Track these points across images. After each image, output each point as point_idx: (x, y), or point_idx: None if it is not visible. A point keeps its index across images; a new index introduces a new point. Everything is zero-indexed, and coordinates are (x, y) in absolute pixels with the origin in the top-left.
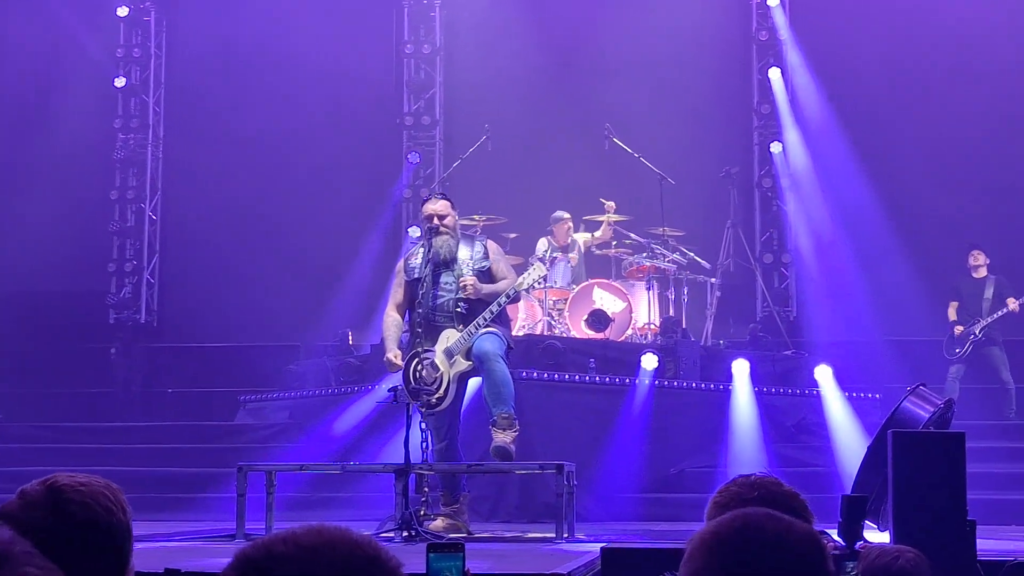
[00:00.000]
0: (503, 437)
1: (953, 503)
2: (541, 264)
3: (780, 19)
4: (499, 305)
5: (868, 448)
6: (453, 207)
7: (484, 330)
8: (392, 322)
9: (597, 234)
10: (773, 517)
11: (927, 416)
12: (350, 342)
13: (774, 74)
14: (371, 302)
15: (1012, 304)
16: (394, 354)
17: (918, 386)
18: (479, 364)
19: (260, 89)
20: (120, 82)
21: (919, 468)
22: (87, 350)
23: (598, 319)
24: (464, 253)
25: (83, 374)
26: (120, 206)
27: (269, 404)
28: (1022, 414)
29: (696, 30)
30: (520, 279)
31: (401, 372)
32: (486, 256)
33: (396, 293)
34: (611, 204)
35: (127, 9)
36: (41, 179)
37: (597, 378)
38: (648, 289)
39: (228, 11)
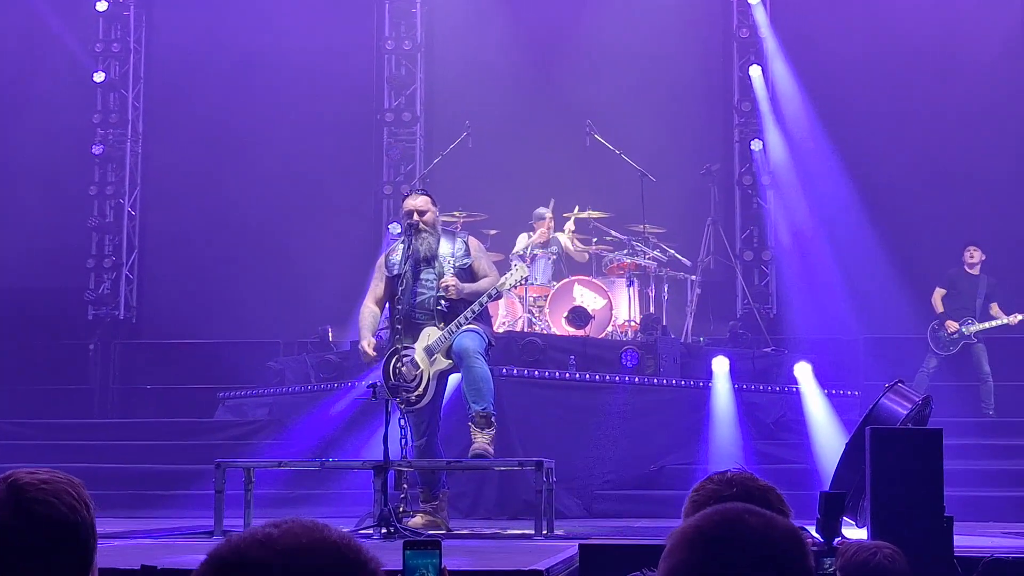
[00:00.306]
0: (482, 440)
1: (931, 499)
2: (524, 264)
3: (761, 16)
4: (480, 304)
5: (846, 445)
6: (434, 203)
7: (465, 327)
8: (369, 313)
9: (579, 243)
10: (754, 512)
11: (905, 413)
12: (330, 339)
13: (754, 71)
14: (351, 299)
15: (1011, 318)
16: (368, 342)
17: (896, 383)
18: (459, 360)
19: (240, 85)
20: (99, 77)
21: (897, 465)
22: (65, 346)
23: (579, 316)
24: (445, 249)
25: (61, 370)
26: (99, 202)
27: (248, 401)
28: (1001, 411)
29: (677, 27)
30: (503, 279)
31: (380, 367)
32: (467, 253)
33: (376, 287)
34: (569, 218)
35: (106, 4)
36: (19, 174)
37: (577, 375)
38: (628, 286)
39: (208, 6)
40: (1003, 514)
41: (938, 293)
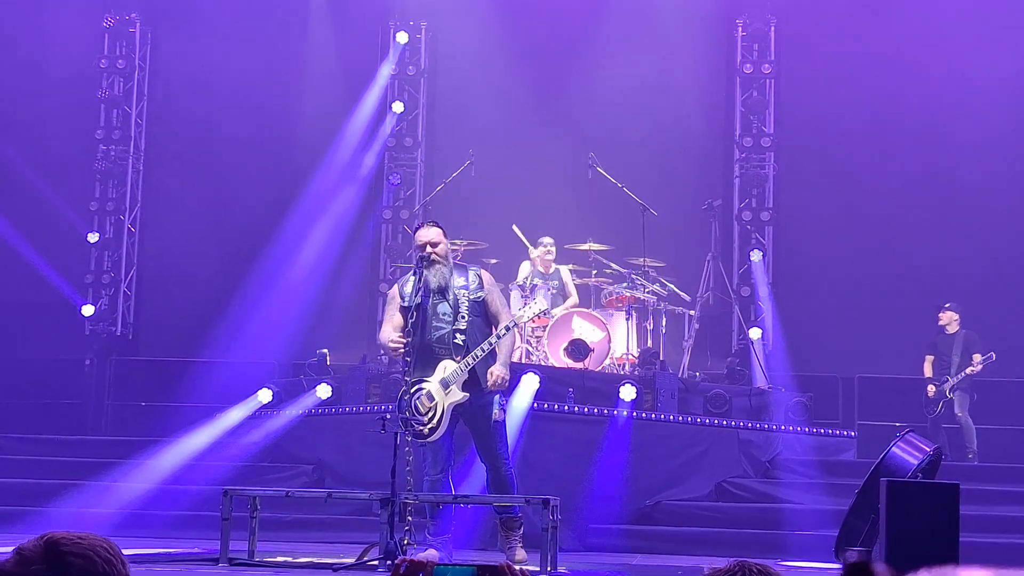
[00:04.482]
0: (519, 555)
1: (946, 553)
2: (543, 299)
3: (766, 53)
4: (498, 337)
5: (856, 493)
6: (445, 235)
7: (494, 418)
8: (391, 330)
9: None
10: None
11: (916, 463)
12: (328, 362)
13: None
14: (349, 321)
15: (975, 359)
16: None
17: (907, 432)
18: (486, 464)
19: (241, 105)
20: (103, 93)
21: (913, 518)
22: (61, 361)
23: (578, 349)
24: (459, 281)
25: (56, 385)
26: (99, 217)
27: (244, 422)
28: (986, 456)
29: (680, 61)
30: (521, 312)
31: (397, 399)
32: (481, 286)
33: (394, 317)
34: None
35: (112, 20)
36: (20, 188)
37: (576, 408)
38: (627, 319)
39: (212, 27)
40: (998, 560)
41: (927, 361)
